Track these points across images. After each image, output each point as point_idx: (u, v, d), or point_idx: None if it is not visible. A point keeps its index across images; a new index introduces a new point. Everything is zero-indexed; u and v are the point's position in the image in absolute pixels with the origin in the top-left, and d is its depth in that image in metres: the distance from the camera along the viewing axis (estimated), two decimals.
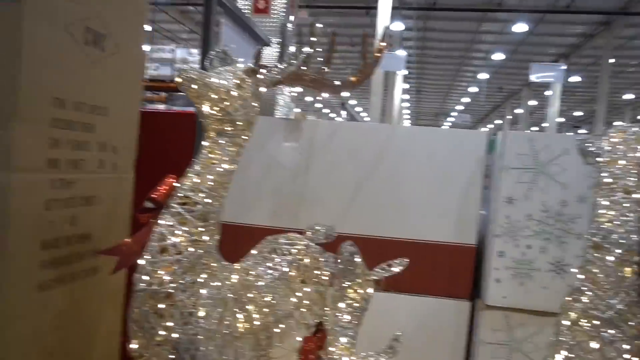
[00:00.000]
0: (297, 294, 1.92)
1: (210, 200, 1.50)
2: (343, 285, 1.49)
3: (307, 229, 1.98)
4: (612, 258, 1.26)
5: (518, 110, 22.71)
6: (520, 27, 13.95)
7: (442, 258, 2.29)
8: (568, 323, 1.33)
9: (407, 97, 23.60)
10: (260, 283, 1.76)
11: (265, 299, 1.75)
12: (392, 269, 1.60)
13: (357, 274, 1.49)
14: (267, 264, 1.87)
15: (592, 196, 1.39)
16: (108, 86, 1.70)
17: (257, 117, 1.61)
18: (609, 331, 1.22)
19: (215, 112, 1.50)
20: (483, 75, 19.37)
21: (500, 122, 26.26)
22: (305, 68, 1.69)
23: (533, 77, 10.64)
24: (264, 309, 1.76)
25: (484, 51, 17.36)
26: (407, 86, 21.64)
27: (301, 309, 1.93)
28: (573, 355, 1.27)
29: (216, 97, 1.47)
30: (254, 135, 2.40)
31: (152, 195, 1.50)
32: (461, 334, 2.30)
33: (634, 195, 1.32)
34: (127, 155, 1.89)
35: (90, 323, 1.82)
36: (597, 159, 1.44)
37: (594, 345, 1.23)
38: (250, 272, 1.80)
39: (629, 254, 1.26)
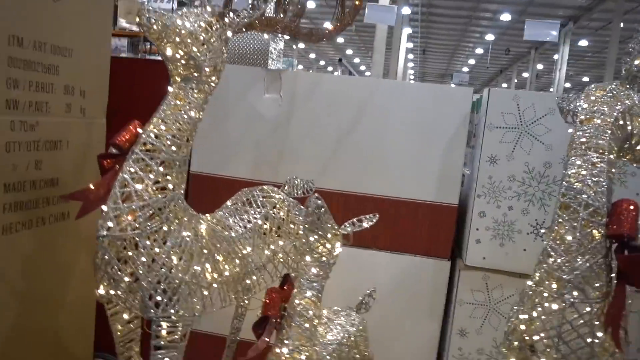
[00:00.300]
0: (271, 247, 1.90)
1: (175, 148, 1.46)
2: (310, 238, 1.46)
3: (285, 183, 1.95)
4: (580, 219, 1.22)
5: (525, 74, 22.33)
6: None
7: (423, 217, 2.26)
8: (531, 284, 1.31)
9: (411, 56, 23.19)
10: (231, 234, 1.74)
11: (236, 250, 1.73)
12: (362, 224, 1.57)
13: (324, 228, 1.46)
14: (240, 216, 1.85)
15: (566, 155, 1.34)
16: (72, 27, 1.63)
17: (225, 63, 1.55)
18: (573, 293, 1.20)
19: (179, 57, 1.43)
20: (490, 37, 18.93)
21: (506, 85, 25.88)
22: (278, 15, 1.61)
23: (527, 35, 10.36)
24: (235, 260, 1.75)
25: (491, 11, 16.90)
26: (411, 45, 21.23)
27: (275, 262, 1.92)
28: (535, 316, 1.25)
29: (179, 40, 1.40)
30: (234, 87, 2.36)
31: (115, 141, 1.46)
32: (440, 294, 2.30)
33: (606, 156, 1.27)
34: (98, 101, 1.84)
35: (63, 268, 1.81)
36: (575, 117, 1.39)
37: (555, 306, 1.21)
38: (221, 223, 1.78)
39: (598, 216, 1.22)
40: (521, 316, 1.31)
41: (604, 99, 1.37)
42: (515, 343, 1.32)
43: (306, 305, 1.43)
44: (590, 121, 1.34)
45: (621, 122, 1.34)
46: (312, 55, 27.04)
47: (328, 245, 1.47)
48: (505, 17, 16.69)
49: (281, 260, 1.89)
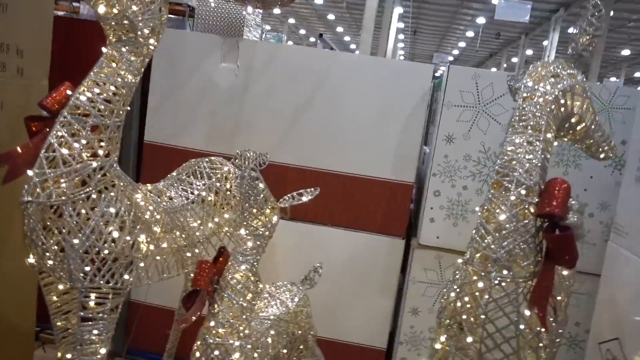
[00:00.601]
0: (215, 219, 1.86)
1: (108, 113, 1.40)
2: (243, 210, 1.42)
3: (235, 155, 1.90)
4: (512, 197, 1.19)
5: (514, 59, 22.24)
6: None
7: (379, 194, 2.23)
8: (461, 262, 1.29)
9: (402, 37, 22.95)
10: (172, 205, 1.69)
11: (176, 222, 1.68)
12: (302, 198, 1.52)
13: (259, 201, 1.42)
14: (184, 187, 1.80)
15: (505, 133, 1.30)
16: None
17: (164, 26, 1.48)
18: (500, 272, 1.17)
19: (112, 16, 1.37)
20: (481, 20, 18.76)
21: (495, 70, 25.77)
22: None
23: (497, 14, 10.30)
24: (175, 232, 1.70)
25: None
26: (402, 25, 20.98)
27: (221, 235, 1.88)
28: (462, 294, 1.23)
29: None
30: (190, 54, 2.28)
31: (42, 102, 1.40)
32: (394, 272, 2.28)
33: (543, 135, 1.24)
34: (39, 61, 1.76)
35: None
36: (518, 95, 1.35)
37: (480, 284, 1.19)
38: (162, 194, 1.73)
39: (529, 195, 1.19)
40: (451, 294, 1.28)
41: (546, 77, 1.33)
42: (447, 321, 1.30)
43: (239, 278, 1.40)
44: (531, 99, 1.30)
45: (562, 100, 1.30)
46: (302, 32, 26.69)
47: (264, 218, 1.43)
48: (497, 0, 16.54)
49: (227, 233, 1.85)
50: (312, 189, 1.57)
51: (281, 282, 1.78)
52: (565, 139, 1.41)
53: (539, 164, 1.22)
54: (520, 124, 1.27)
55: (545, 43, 18.43)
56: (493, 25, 19.74)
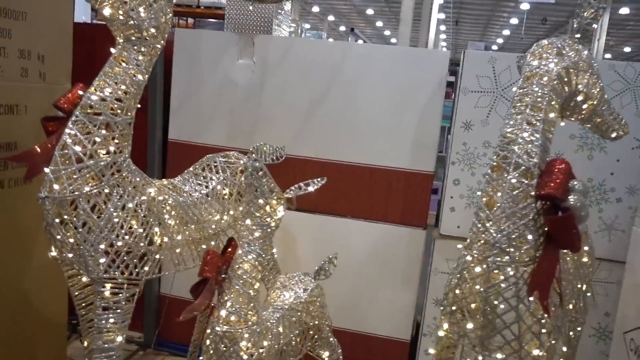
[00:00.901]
0: (230, 212, 1.90)
1: (120, 111, 1.45)
2: (249, 201, 1.44)
3: (252, 149, 1.93)
4: (512, 180, 1.16)
5: None
6: None
7: (398, 184, 2.21)
8: (461, 247, 1.26)
9: (443, 27, 22.52)
10: (187, 199, 1.74)
11: (191, 215, 1.73)
12: (308, 188, 1.54)
13: (264, 191, 1.44)
14: (198, 181, 1.84)
15: (507, 114, 1.27)
16: None
17: (169, 24, 1.52)
18: (498, 257, 1.14)
19: (118, 17, 1.42)
20: (525, 6, 18.16)
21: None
22: None
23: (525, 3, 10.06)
24: (190, 225, 1.75)
25: None
26: (443, 16, 20.58)
27: (237, 228, 1.91)
28: (462, 280, 1.20)
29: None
30: (206, 53, 2.33)
31: (57, 103, 1.47)
32: (416, 263, 2.26)
33: (544, 114, 1.20)
34: (61, 65, 1.85)
35: (25, 232, 1.84)
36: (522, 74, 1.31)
37: (478, 269, 1.16)
38: (177, 188, 1.78)
39: (529, 177, 1.16)
40: (453, 281, 1.26)
41: (549, 56, 1.29)
42: (449, 308, 1.28)
43: (247, 268, 1.42)
44: (533, 78, 1.26)
45: (566, 78, 1.26)
46: (342, 28, 26.65)
47: (269, 209, 1.45)
48: None
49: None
50: (319, 179, 1.58)
51: (295, 273, 1.80)
52: (572, 119, 1.36)
53: (540, 145, 1.18)
54: (522, 104, 1.24)
55: (594, 26, 17.64)
56: (538, 10, 19.08)
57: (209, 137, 2.34)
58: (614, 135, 1.39)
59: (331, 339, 1.78)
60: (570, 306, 1.39)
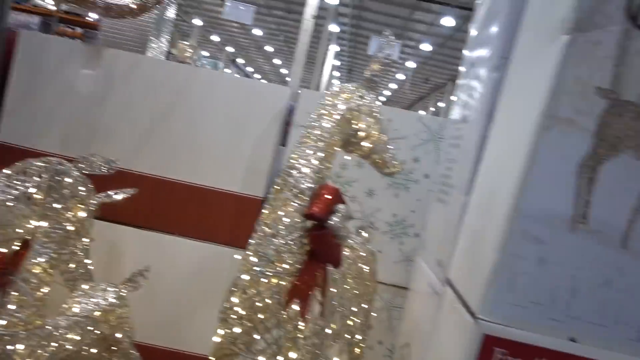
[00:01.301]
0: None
1: None
2: (46, 205, 1.45)
3: (78, 157, 1.92)
4: (286, 199, 1.30)
5: (441, 104, 23.44)
6: (448, 21, 14.27)
7: (228, 207, 2.30)
8: (239, 258, 1.38)
9: (338, 74, 23.72)
10: None
11: None
12: (115, 196, 1.58)
13: (64, 195, 1.45)
14: (9, 183, 1.80)
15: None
16: None
17: None
18: (265, 268, 1.27)
19: None
20: (411, 64, 19.76)
21: (423, 113, 27.00)
22: None
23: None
24: None
25: (415, 40, 17.64)
26: (338, 63, 21.70)
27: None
28: (235, 289, 1.31)
29: None
30: (52, 58, 2.31)
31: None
32: None
33: (324, 146, 1.37)
34: None
35: None
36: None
37: (246, 277, 1.28)
38: None
39: (300, 198, 1.30)
40: (232, 289, 1.36)
41: (340, 96, 1.48)
42: (222, 315, 1.37)
43: (34, 271, 1.41)
44: (323, 114, 1.44)
45: (348, 116, 1.45)
46: (240, 61, 27.00)
47: (68, 213, 1.46)
48: (426, 46, 17.49)
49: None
50: (129, 190, 1.62)
51: (100, 282, 1.79)
52: (355, 154, 1.55)
53: (314, 172, 1.34)
54: (309, 136, 1.40)
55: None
56: (424, 70, 20.84)
57: (42, 143, 2.28)
58: (386, 171, 1.60)
59: (131, 353, 1.78)
60: (350, 322, 1.55)
